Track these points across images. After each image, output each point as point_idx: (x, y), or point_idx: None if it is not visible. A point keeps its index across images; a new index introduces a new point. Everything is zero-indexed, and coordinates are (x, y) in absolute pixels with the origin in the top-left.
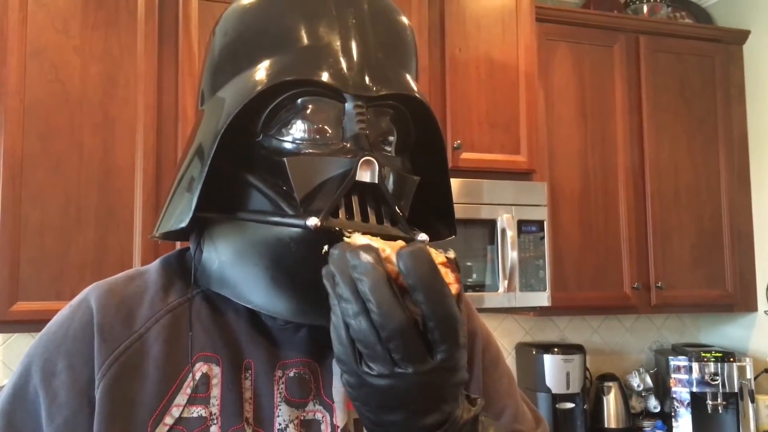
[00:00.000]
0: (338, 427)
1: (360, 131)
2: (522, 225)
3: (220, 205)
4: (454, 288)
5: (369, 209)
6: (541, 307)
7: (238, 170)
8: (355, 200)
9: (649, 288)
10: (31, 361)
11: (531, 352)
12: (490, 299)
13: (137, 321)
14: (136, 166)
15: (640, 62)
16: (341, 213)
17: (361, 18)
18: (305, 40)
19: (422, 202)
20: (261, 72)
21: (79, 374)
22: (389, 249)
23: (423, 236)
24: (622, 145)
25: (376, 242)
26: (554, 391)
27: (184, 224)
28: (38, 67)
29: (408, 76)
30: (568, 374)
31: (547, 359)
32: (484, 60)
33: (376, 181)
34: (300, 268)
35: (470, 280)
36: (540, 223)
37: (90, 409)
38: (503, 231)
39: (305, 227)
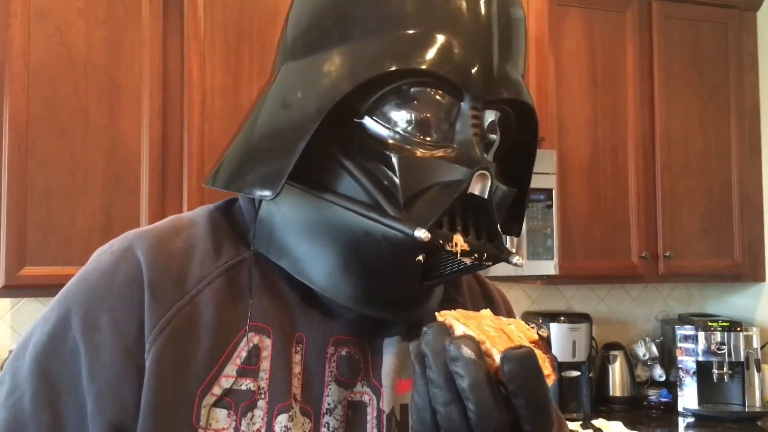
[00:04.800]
0: (384, 411)
1: (474, 137)
2: (530, 193)
3: (301, 174)
4: (550, 380)
5: (469, 222)
6: (548, 276)
7: (330, 147)
8: (459, 212)
9: (657, 257)
10: (69, 309)
11: (537, 321)
12: (497, 267)
13: (189, 281)
14: (142, 132)
15: (652, 28)
16: (444, 223)
17: (489, 8)
18: (432, 24)
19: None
20: (380, 49)
21: (125, 332)
22: (488, 342)
23: (517, 259)
24: (633, 113)
25: (471, 324)
26: (560, 359)
27: (271, 197)
28: (42, 30)
29: (522, 80)
30: (574, 343)
31: (554, 328)
32: None
33: (487, 197)
34: (382, 266)
35: None
36: (548, 192)
37: (136, 371)
38: None
39: (412, 237)
